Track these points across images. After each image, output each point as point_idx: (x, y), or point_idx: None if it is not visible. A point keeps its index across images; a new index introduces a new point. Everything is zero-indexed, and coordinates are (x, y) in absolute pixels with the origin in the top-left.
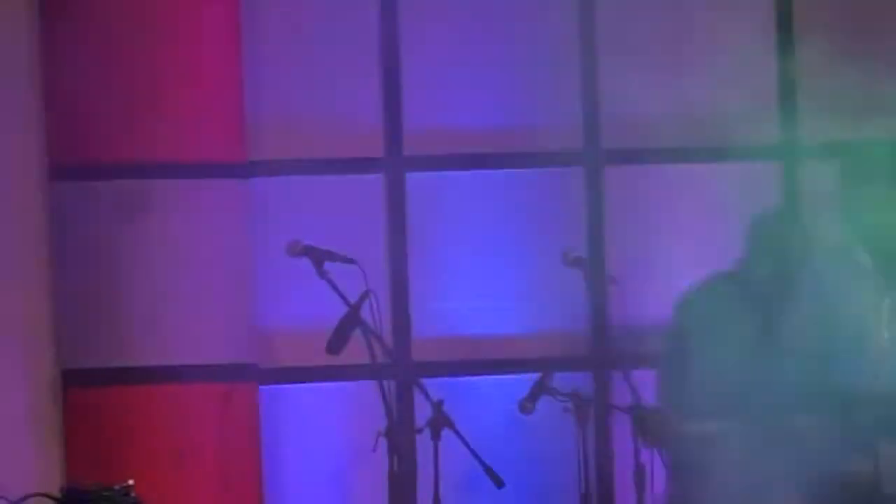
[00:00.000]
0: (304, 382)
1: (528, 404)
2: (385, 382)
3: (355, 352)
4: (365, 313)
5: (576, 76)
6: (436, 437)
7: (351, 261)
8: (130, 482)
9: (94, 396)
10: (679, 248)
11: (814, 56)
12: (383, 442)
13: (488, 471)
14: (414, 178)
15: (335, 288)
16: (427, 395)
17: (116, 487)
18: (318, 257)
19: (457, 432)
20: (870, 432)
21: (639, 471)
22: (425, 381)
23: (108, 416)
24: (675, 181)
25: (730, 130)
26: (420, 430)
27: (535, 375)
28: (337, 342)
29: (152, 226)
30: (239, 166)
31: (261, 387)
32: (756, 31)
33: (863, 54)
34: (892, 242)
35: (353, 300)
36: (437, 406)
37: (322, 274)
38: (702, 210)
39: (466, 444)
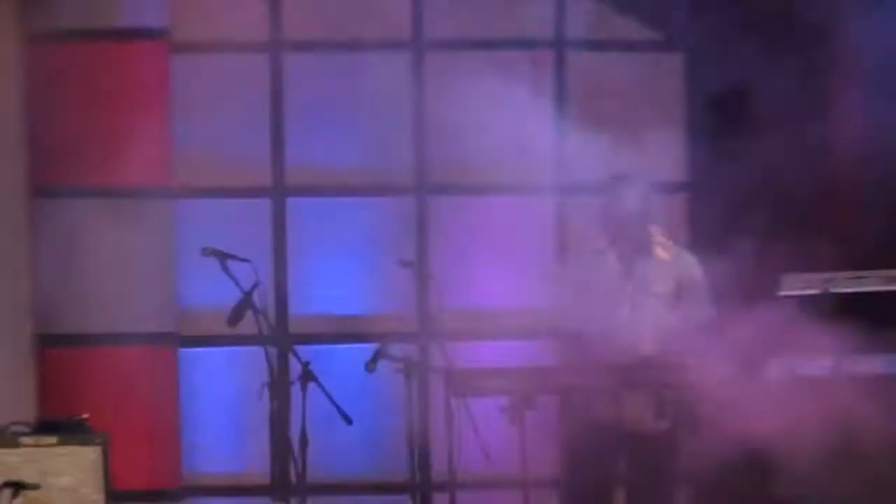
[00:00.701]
0: (209, 347)
1: (371, 365)
2: (268, 348)
3: (248, 325)
4: (255, 298)
5: (409, 130)
6: (304, 388)
7: (246, 260)
8: (85, 416)
9: (58, 355)
10: (481, 255)
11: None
12: (266, 391)
13: (341, 412)
14: (293, 202)
15: (234, 279)
16: (298, 358)
17: (75, 419)
18: (222, 257)
19: (319, 384)
20: (615, 385)
21: (448, 415)
22: (297, 348)
23: (68, 369)
24: (481, 207)
25: (526, 170)
26: (293, 383)
27: (377, 344)
28: (234, 318)
29: (110, 232)
30: (166, 190)
31: (179, 349)
32: (536, 81)
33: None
34: (631, 248)
35: (246, 288)
36: (305, 365)
37: (225, 269)
38: (499, 229)
39: (326, 393)
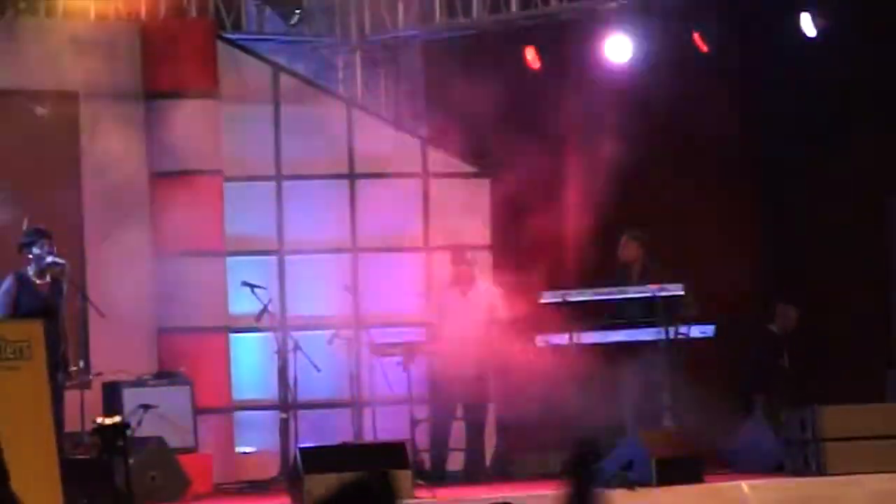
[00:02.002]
0: (245, 333)
1: (330, 342)
2: (276, 334)
3: (265, 322)
4: (269, 307)
5: (348, 218)
6: (295, 354)
7: (264, 288)
8: (182, 369)
9: (168, 338)
10: (388, 283)
11: None
12: (276, 356)
13: (314, 366)
14: (289, 258)
15: (258, 298)
16: (292, 339)
17: (177, 371)
18: (252, 286)
19: (303, 352)
20: (458, 354)
21: (370, 367)
22: (293, 333)
23: (174, 346)
24: (386, 259)
25: (411, 240)
26: (289, 351)
27: (333, 331)
28: (259, 318)
29: (192, 275)
30: (220, 252)
31: (230, 335)
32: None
33: None
34: (465, 283)
35: (265, 303)
36: (295, 343)
37: (253, 292)
38: (398, 270)
39: (307, 356)
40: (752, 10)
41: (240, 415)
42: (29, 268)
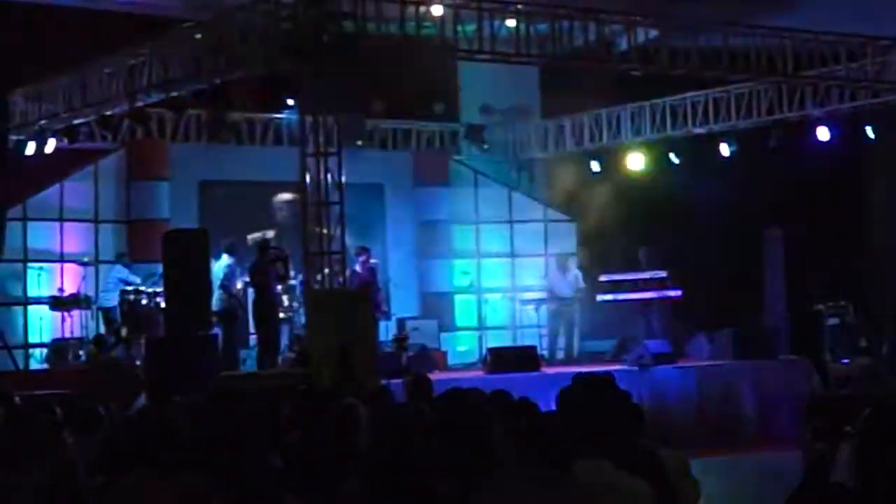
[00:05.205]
0: (462, 295)
1: (502, 299)
2: (476, 295)
3: (471, 290)
4: (472, 283)
5: (507, 235)
6: (485, 304)
7: (470, 273)
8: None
9: (428, 297)
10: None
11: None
12: (476, 305)
13: (494, 310)
14: (484, 261)
15: (468, 278)
16: (483, 297)
17: (431, 312)
18: (465, 273)
19: (488, 304)
20: None
21: (521, 312)
22: (484, 295)
23: (428, 301)
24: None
25: None
26: (482, 303)
27: (502, 294)
28: (468, 288)
29: None
30: (448, 256)
31: (454, 295)
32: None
33: None
34: None
35: (471, 280)
36: (485, 299)
37: (465, 275)
38: None
39: (489, 305)
40: None
41: (459, 333)
42: (356, 268)
